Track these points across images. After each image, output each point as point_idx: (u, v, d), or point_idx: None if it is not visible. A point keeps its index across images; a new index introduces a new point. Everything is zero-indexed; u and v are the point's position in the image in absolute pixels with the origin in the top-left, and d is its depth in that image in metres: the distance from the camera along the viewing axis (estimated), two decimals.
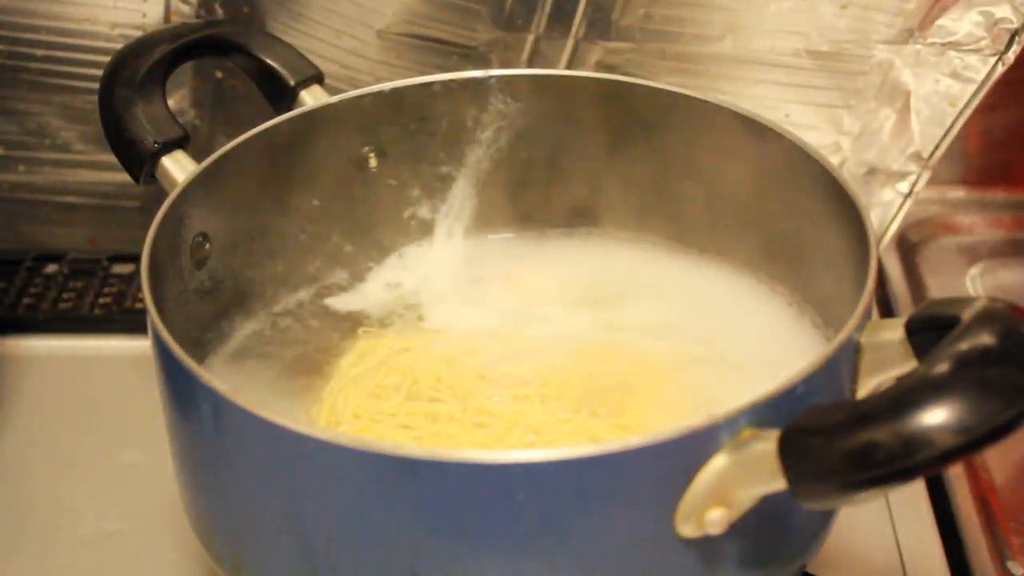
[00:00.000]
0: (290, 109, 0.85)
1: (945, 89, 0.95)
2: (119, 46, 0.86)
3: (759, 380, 0.64)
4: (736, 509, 0.61)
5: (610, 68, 0.97)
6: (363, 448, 0.61)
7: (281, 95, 0.86)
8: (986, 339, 0.59)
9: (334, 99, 0.84)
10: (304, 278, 0.88)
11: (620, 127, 0.86)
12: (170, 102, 0.84)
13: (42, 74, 1.01)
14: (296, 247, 0.87)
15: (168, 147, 0.81)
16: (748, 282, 0.86)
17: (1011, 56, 0.93)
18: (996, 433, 0.56)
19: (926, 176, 0.98)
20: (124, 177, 0.83)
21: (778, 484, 0.60)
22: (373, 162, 0.87)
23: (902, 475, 0.56)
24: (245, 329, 0.85)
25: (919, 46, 0.94)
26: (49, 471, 0.90)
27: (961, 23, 0.93)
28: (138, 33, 0.98)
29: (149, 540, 0.85)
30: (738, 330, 0.83)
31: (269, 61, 0.86)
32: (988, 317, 0.60)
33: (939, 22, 0.93)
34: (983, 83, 0.94)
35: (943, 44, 0.94)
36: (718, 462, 0.61)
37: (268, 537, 0.67)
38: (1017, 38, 0.92)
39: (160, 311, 0.69)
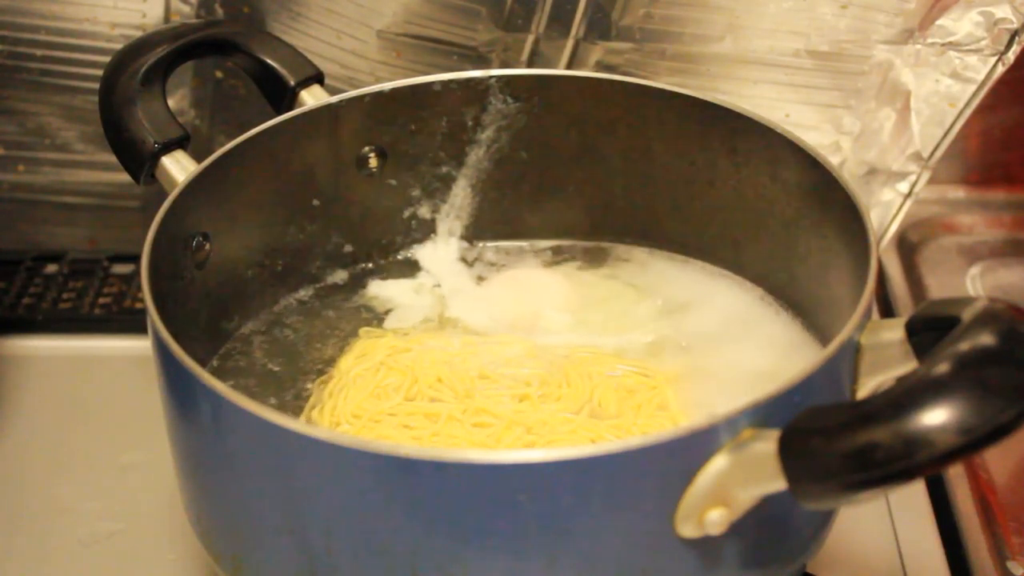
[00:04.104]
0: (290, 109, 0.85)
1: (945, 89, 0.95)
2: (119, 46, 0.86)
3: (758, 382, 0.64)
4: (736, 509, 0.61)
5: (610, 68, 0.97)
6: (363, 448, 0.61)
7: (281, 95, 0.86)
8: (986, 339, 0.59)
9: (334, 99, 0.85)
10: (304, 278, 0.88)
11: (619, 127, 0.86)
12: (170, 102, 0.84)
13: (42, 74, 1.01)
14: (296, 247, 0.87)
15: (168, 147, 0.81)
16: (747, 284, 0.86)
17: (1011, 56, 0.93)
18: (996, 433, 0.56)
19: (926, 176, 0.98)
20: (124, 177, 0.83)
21: (778, 484, 0.60)
22: (373, 162, 0.87)
23: (902, 475, 0.56)
24: (245, 329, 0.85)
25: (919, 46, 0.94)
26: (49, 471, 0.90)
27: (961, 23, 0.93)
28: (138, 33, 0.98)
29: (149, 540, 0.85)
30: (738, 332, 0.83)
31: (269, 61, 0.86)
32: (988, 317, 0.60)
33: (939, 22, 0.93)
34: (983, 83, 0.94)
35: (943, 44, 0.94)
36: (718, 462, 0.61)
37: (268, 537, 0.67)
38: (1017, 38, 0.92)
39: (160, 311, 0.69)
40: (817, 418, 0.59)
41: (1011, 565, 0.83)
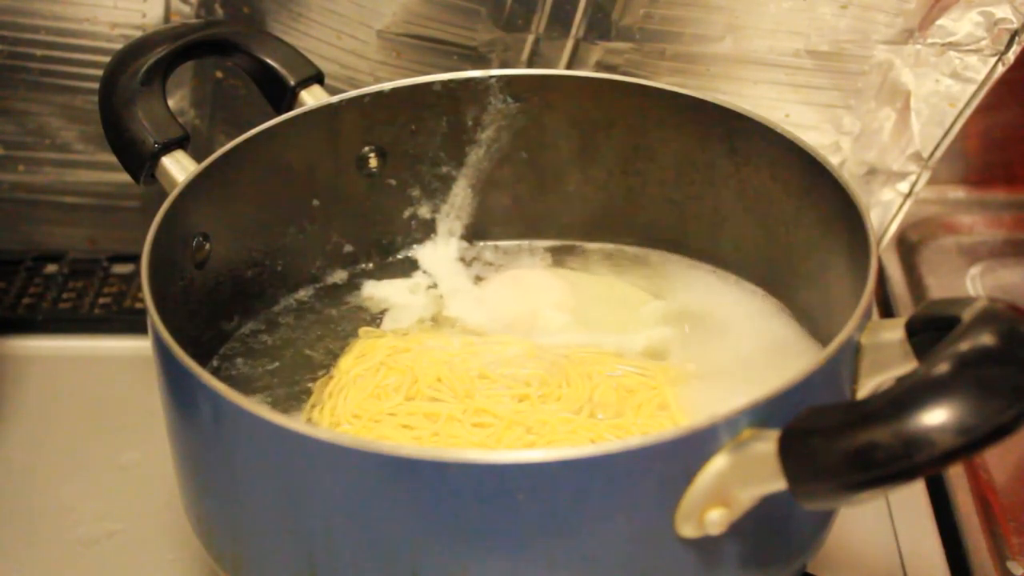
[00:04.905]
0: (290, 109, 0.85)
1: (945, 89, 0.95)
2: (119, 46, 0.86)
3: (758, 383, 0.64)
4: (736, 509, 0.61)
5: (610, 68, 0.97)
6: (363, 448, 0.61)
7: (281, 95, 0.86)
8: (986, 339, 0.59)
9: (334, 99, 0.85)
10: (304, 278, 0.88)
11: (619, 127, 0.86)
12: (170, 102, 0.84)
13: (42, 74, 1.01)
14: (296, 247, 0.87)
15: (168, 147, 0.81)
16: (747, 284, 0.86)
17: (1011, 56, 0.93)
18: (996, 433, 0.56)
19: (926, 176, 0.98)
20: (124, 177, 0.83)
21: (778, 484, 0.60)
22: (373, 162, 0.87)
23: (902, 475, 0.56)
24: (245, 329, 0.85)
25: (919, 46, 0.94)
26: (49, 471, 0.90)
27: (961, 23, 0.93)
28: (138, 33, 0.98)
29: (149, 540, 0.85)
30: (737, 332, 0.83)
31: (269, 61, 0.86)
32: (988, 317, 0.60)
33: (939, 22, 0.93)
34: (983, 83, 0.94)
35: (943, 44, 0.94)
36: (718, 462, 0.61)
37: (268, 537, 0.67)
38: (1017, 38, 0.92)
39: (160, 311, 0.69)
40: (817, 418, 0.59)
41: (1011, 565, 0.83)
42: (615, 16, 0.95)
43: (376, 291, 0.88)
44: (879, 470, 0.56)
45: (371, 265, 0.90)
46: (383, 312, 0.87)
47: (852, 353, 0.67)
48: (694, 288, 0.87)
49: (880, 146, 0.98)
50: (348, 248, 0.89)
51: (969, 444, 0.55)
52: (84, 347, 1.00)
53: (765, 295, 0.85)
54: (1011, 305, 0.61)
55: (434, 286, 0.88)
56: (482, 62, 0.98)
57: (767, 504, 0.62)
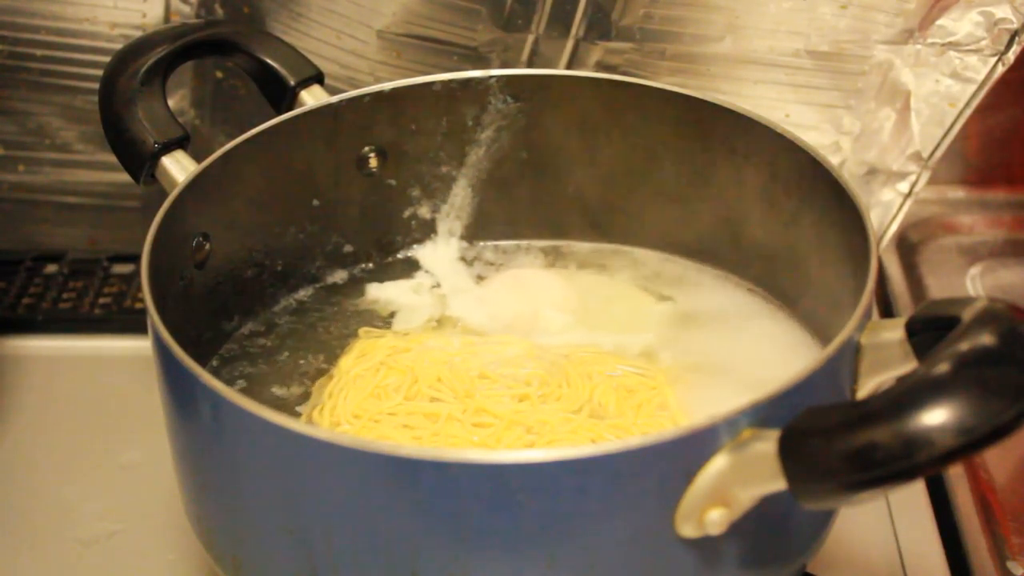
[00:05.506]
0: (290, 109, 0.85)
1: (945, 89, 0.95)
2: (119, 46, 0.86)
3: (759, 383, 0.64)
4: (736, 509, 0.61)
5: (610, 68, 0.97)
6: (363, 448, 0.61)
7: (281, 95, 0.86)
8: (986, 339, 0.59)
9: (334, 99, 0.85)
10: (304, 278, 0.88)
11: (619, 127, 0.86)
12: (170, 102, 0.84)
13: (42, 74, 1.01)
14: (296, 247, 0.87)
15: (168, 147, 0.81)
16: (747, 284, 0.86)
17: (1011, 56, 0.93)
18: (996, 433, 0.56)
19: (926, 176, 0.98)
20: (124, 177, 0.83)
21: (778, 484, 0.60)
22: (373, 162, 0.87)
23: (902, 475, 0.56)
24: (245, 329, 0.85)
25: (919, 46, 0.94)
26: (49, 471, 0.90)
27: (961, 23, 0.93)
28: (138, 33, 0.98)
29: (149, 540, 0.85)
30: (738, 332, 0.83)
31: (269, 61, 0.86)
32: (988, 317, 0.60)
33: (939, 22, 0.93)
34: (983, 83, 0.94)
35: (943, 44, 0.94)
36: (718, 462, 0.61)
37: (268, 537, 0.67)
38: (1017, 38, 0.92)
39: (160, 311, 0.69)
40: (817, 418, 0.59)
41: (1011, 565, 0.83)
42: (615, 16, 0.95)
43: (381, 293, 0.88)
44: (879, 470, 0.56)
45: (371, 265, 0.90)
46: (392, 314, 0.86)
47: (852, 353, 0.67)
48: (694, 288, 0.87)
49: (880, 146, 0.98)
50: (348, 248, 0.89)
51: (969, 444, 0.55)
52: (84, 347, 1.00)
53: (765, 295, 0.85)
54: (1011, 305, 0.61)
55: (437, 286, 0.88)
56: (482, 62, 0.98)
57: (767, 504, 0.62)
